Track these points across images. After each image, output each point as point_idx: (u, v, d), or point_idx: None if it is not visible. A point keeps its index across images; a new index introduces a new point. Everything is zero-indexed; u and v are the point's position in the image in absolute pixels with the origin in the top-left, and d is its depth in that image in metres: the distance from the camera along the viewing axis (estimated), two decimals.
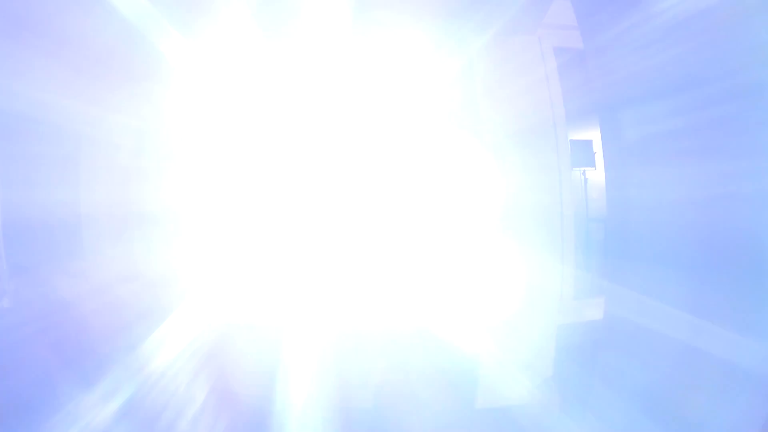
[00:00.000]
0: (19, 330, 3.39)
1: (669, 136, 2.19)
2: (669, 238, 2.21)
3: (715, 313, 1.98)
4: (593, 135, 3.32)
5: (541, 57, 3.21)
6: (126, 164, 3.63)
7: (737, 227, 1.94)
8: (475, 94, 3.13)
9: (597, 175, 3.40)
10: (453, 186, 2.96)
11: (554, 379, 2.91)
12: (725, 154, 1.96)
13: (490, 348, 2.78)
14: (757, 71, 1.83)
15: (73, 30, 3.04)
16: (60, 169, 3.81)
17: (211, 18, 2.97)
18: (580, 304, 3.12)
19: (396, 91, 3.03)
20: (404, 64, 3.01)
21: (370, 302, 3.02)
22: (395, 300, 2.97)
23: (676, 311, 2.13)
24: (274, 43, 3.07)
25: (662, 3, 2.09)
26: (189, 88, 3.09)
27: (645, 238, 2.34)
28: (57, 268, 3.84)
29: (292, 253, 3.11)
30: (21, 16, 3.02)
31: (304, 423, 2.75)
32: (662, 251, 2.24)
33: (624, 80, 2.37)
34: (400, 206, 3.01)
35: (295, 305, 2.96)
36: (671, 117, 2.15)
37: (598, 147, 3.29)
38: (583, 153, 3.41)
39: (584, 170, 3.48)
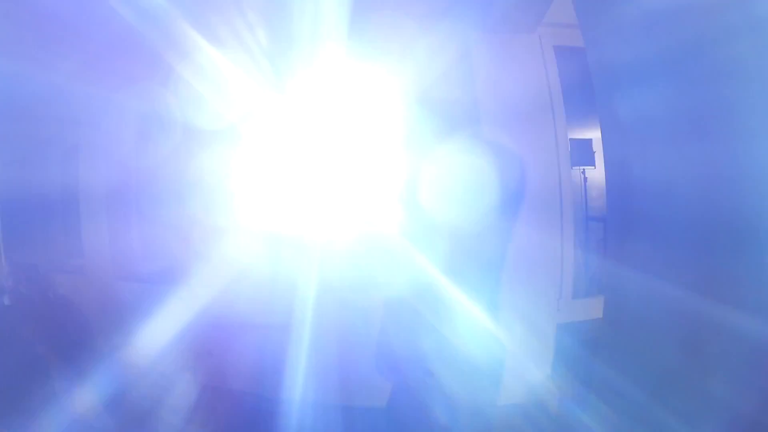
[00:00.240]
0: (18, 327, 3.40)
1: (670, 136, 2.19)
2: (669, 236, 2.21)
3: (717, 311, 1.97)
4: (593, 134, 3.31)
5: (542, 55, 3.21)
6: (126, 161, 3.63)
7: (741, 219, 1.93)
8: (474, 92, 3.13)
9: (597, 174, 3.39)
10: (453, 185, 2.96)
11: (553, 378, 2.92)
12: (727, 154, 1.96)
13: (490, 347, 2.78)
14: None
15: (80, 18, 3.03)
16: (60, 168, 3.81)
17: (216, 13, 2.98)
18: (580, 304, 3.12)
19: (396, 90, 3.03)
20: (404, 63, 3.00)
21: (371, 302, 3.02)
22: (394, 298, 2.97)
23: (677, 309, 2.13)
24: (274, 43, 3.07)
25: (663, 2, 2.08)
26: (193, 82, 3.08)
27: (645, 237, 2.34)
28: (56, 265, 3.84)
29: (292, 253, 3.12)
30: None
31: (304, 423, 2.75)
32: (663, 248, 2.23)
33: (624, 80, 2.37)
34: (400, 206, 3.01)
35: (295, 305, 2.96)
36: (672, 117, 2.15)
37: (598, 146, 3.28)
38: (582, 152, 3.41)
39: (584, 169, 3.47)
